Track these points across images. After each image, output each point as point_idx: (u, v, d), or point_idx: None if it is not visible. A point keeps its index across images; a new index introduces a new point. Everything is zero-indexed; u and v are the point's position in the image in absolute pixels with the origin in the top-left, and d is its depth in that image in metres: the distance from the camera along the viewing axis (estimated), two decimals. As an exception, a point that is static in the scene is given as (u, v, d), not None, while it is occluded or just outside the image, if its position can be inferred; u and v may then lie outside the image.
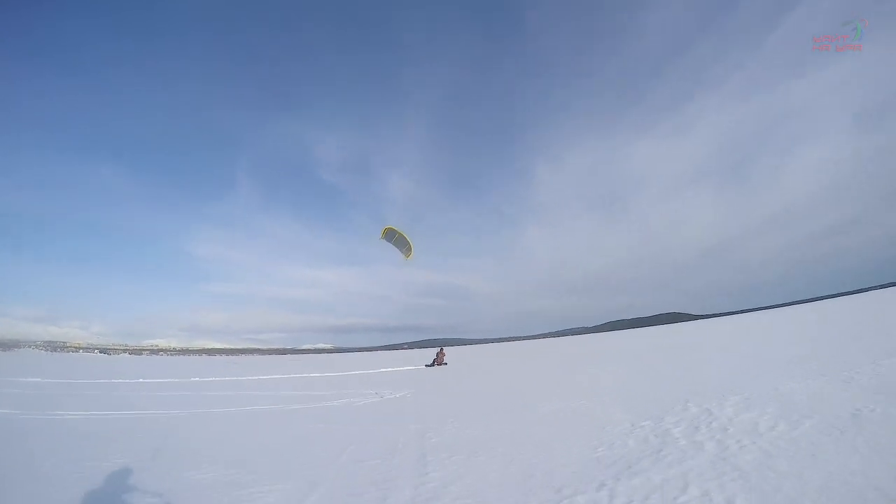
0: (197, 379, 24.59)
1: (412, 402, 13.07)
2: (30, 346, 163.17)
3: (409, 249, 15.47)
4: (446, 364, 30.76)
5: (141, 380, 23.29)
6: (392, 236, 16.15)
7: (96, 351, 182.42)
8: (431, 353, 37.96)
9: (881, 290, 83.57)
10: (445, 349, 35.79)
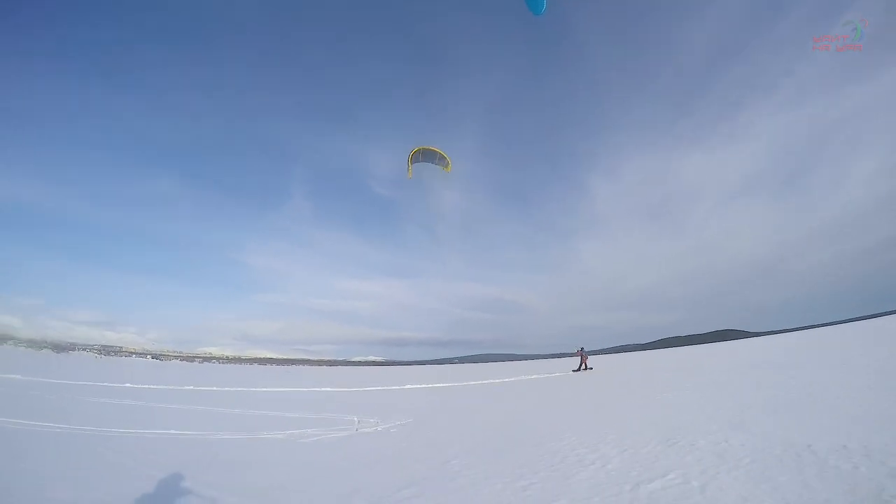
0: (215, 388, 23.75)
1: (397, 438, 9.61)
2: (84, 350, 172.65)
3: (448, 163, 14.24)
4: (591, 368, 29.26)
5: (128, 384, 23.24)
6: (422, 157, 14.42)
7: (149, 356, 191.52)
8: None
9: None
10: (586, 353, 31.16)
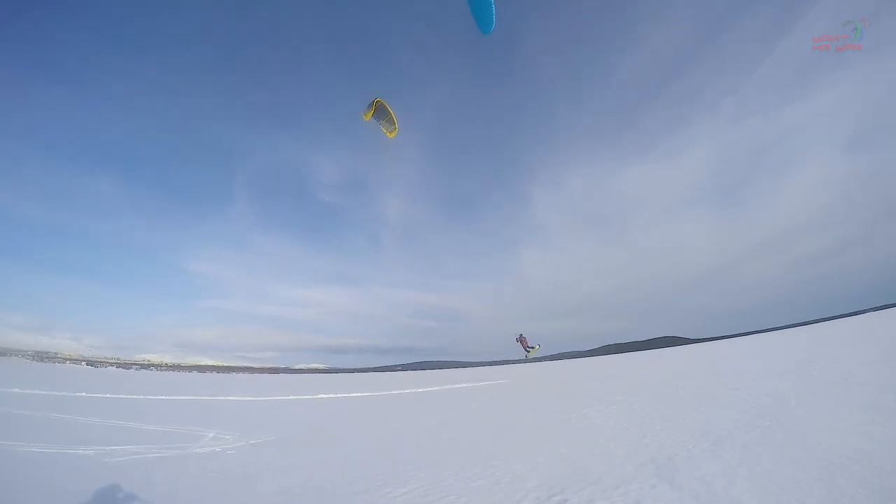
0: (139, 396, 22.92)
1: (225, 461, 9.40)
2: (18, 356, 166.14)
3: (394, 129, 12.84)
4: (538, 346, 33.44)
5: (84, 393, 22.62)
6: (382, 114, 12.99)
7: (83, 363, 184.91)
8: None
9: (879, 311, 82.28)
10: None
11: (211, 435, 12.25)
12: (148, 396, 23.50)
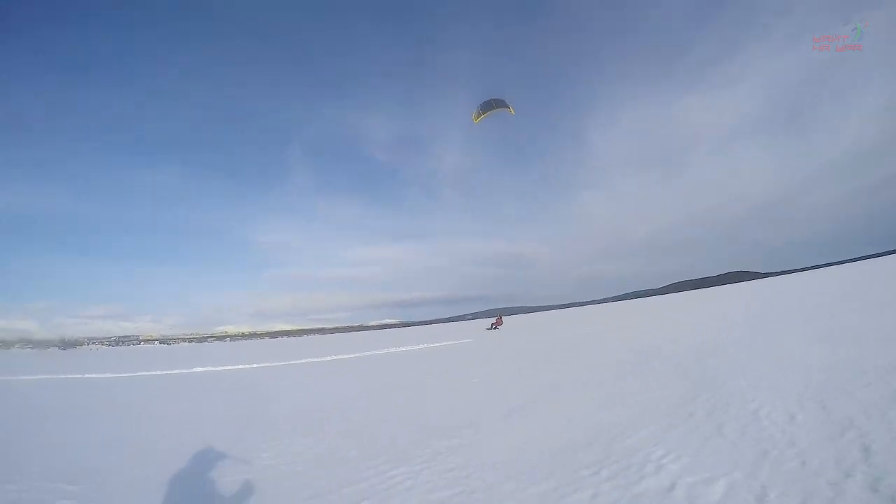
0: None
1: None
2: (92, 344, 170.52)
3: (510, 107, 16.19)
4: (500, 327, 35.84)
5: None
6: (490, 106, 15.97)
7: (157, 342, 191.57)
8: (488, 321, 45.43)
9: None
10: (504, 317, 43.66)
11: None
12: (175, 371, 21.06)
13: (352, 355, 23.84)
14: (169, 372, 21.14)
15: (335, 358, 23.08)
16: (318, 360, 23.09)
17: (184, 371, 20.70)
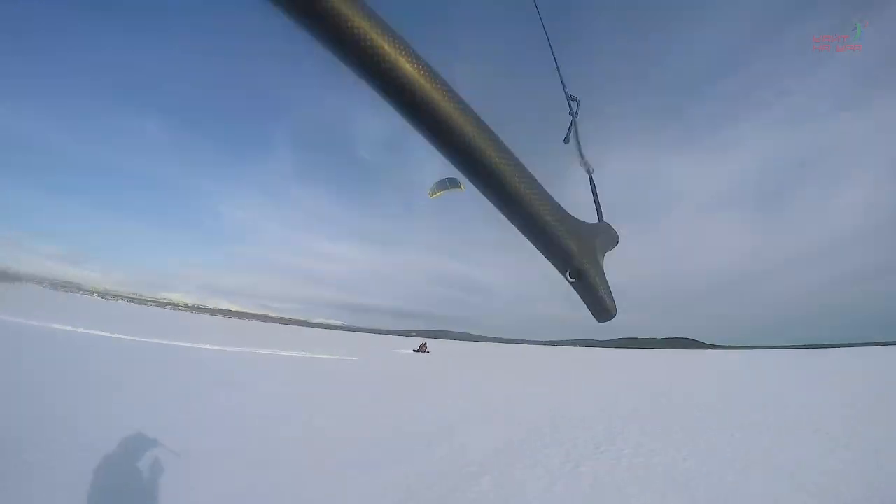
0: None
1: None
2: (36, 283, 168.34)
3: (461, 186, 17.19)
4: (428, 353, 38.27)
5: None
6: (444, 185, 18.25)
7: (95, 295, 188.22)
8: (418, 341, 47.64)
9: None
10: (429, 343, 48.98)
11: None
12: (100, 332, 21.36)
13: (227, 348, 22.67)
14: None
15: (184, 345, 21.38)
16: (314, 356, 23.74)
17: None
